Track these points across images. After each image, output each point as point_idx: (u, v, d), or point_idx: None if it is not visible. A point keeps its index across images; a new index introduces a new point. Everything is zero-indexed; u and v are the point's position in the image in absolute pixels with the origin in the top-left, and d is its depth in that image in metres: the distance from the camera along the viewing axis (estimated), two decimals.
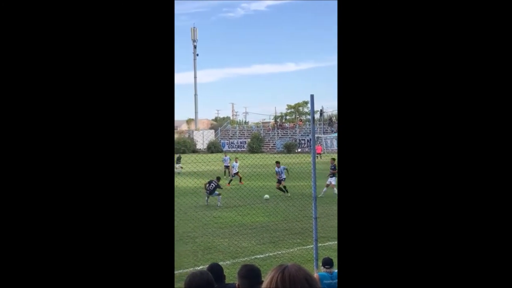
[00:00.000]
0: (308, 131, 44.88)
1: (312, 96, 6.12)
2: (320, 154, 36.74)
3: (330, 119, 53.17)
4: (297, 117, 64.31)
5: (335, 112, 55.06)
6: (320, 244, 8.95)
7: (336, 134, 46.77)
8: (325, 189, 16.08)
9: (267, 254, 9.02)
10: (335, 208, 14.15)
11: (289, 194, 16.02)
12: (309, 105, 6.44)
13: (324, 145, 44.08)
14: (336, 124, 50.85)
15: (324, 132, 47.39)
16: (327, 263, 5.58)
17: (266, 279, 1.34)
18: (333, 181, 16.12)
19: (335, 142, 42.96)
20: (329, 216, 12.60)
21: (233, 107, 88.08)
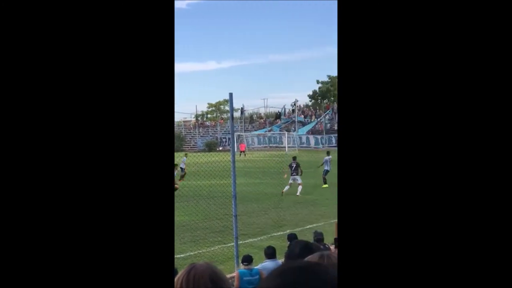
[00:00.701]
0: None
1: (231, 95, 6.14)
2: (244, 151, 36.99)
3: (251, 117, 53.77)
4: (218, 116, 64.34)
5: (256, 110, 55.84)
6: (241, 242, 9.00)
7: (256, 132, 47.40)
8: (287, 187, 16.13)
9: (188, 254, 8.94)
10: (255, 205, 14.37)
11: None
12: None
13: (245, 143, 44.47)
14: (257, 122, 51.56)
15: (245, 130, 47.81)
16: (246, 260, 5.67)
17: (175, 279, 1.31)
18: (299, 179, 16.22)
19: (256, 140, 43.57)
20: (249, 214, 12.74)
21: None
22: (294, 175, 16.28)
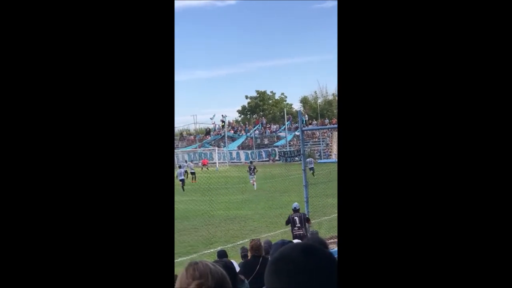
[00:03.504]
0: None
1: None
2: (206, 165, 36.00)
3: (181, 134, 53.26)
4: None
5: (186, 126, 55.41)
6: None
7: (187, 148, 47.00)
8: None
9: None
10: (186, 223, 14.21)
11: None
12: None
13: (176, 159, 43.88)
14: (186, 140, 51.13)
15: (175, 147, 47.22)
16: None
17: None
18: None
19: (186, 156, 43.18)
20: (180, 232, 12.56)
21: None
22: (252, 175, 23.01)
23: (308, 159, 22.87)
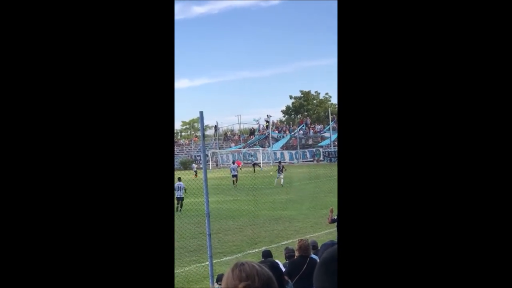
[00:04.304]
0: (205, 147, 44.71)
1: (201, 113, 6.17)
2: (239, 166, 36.23)
3: (225, 134, 53.77)
4: (193, 133, 64.13)
5: (230, 127, 55.88)
6: (216, 260, 8.96)
7: (230, 149, 47.36)
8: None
9: None
10: (231, 223, 14.33)
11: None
12: (204, 121, 6.49)
13: (220, 160, 44.33)
14: (230, 140, 51.55)
15: (219, 148, 47.73)
16: (220, 279, 5.67)
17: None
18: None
19: (230, 157, 43.53)
20: (226, 231, 12.68)
21: None
22: (279, 173, 24.31)
23: None
